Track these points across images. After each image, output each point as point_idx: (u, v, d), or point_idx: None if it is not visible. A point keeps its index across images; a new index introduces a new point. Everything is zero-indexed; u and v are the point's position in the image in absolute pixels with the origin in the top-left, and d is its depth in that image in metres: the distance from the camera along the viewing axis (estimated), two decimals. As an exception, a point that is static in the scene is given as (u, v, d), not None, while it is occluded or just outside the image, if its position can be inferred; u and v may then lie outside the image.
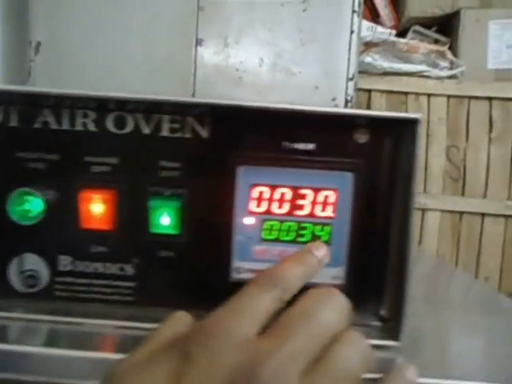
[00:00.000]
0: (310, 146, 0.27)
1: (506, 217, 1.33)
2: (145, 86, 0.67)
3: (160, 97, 0.26)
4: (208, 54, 0.70)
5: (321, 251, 0.24)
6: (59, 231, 0.28)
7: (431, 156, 1.36)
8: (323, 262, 0.24)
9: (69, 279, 0.28)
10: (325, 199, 0.27)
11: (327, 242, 0.28)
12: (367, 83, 1.37)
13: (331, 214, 0.27)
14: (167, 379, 0.17)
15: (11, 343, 0.25)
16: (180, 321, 0.21)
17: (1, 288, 0.28)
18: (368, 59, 1.36)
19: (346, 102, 0.71)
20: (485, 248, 1.35)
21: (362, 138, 0.27)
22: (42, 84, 0.65)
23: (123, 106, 0.27)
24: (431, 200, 1.35)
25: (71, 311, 0.28)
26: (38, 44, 0.69)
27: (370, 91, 1.38)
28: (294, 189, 0.27)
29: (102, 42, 0.67)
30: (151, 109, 0.27)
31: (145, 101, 0.27)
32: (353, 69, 0.72)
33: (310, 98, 0.70)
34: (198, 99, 0.26)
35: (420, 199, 1.36)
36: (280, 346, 0.18)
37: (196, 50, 0.70)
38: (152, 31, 0.68)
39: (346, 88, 0.71)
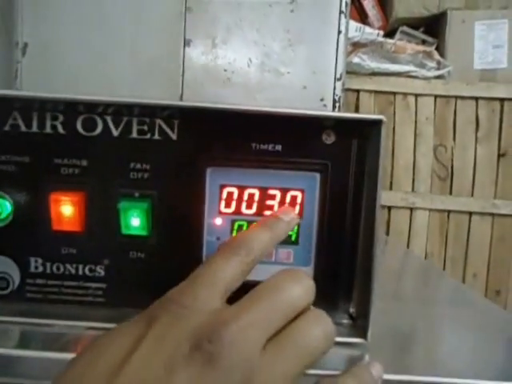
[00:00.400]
0: (278, 147, 0.27)
1: (493, 215, 1.35)
2: (133, 87, 0.67)
3: (127, 99, 0.27)
4: (196, 55, 0.70)
5: (288, 215, 0.25)
6: (29, 233, 0.28)
7: (419, 155, 1.38)
8: (291, 225, 0.25)
9: (40, 281, 0.28)
10: (292, 199, 0.28)
11: (295, 242, 0.28)
12: (355, 83, 1.39)
13: (299, 214, 0.28)
14: (130, 339, 0.18)
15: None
16: None
17: (-29, 290, 0.28)
18: (356, 60, 1.37)
19: (334, 102, 0.71)
20: (472, 246, 1.37)
21: (329, 139, 0.27)
22: (29, 85, 0.65)
23: (92, 108, 0.27)
24: (419, 199, 1.37)
25: (43, 313, 0.28)
26: (25, 45, 0.69)
27: (358, 91, 1.39)
28: (263, 189, 0.28)
29: (89, 44, 0.67)
30: (120, 111, 0.27)
31: (113, 103, 0.27)
32: (341, 69, 0.72)
33: (298, 98, 0.70)
34: (164, 101, 0.27)
35: (408, 198, 1.38)
36: (244, 312, 0.18)
37: (184, 51, 0.70)
38: (139, 32, 0.68)
39: (334, 88, 0.72)
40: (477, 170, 1.37)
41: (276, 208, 0.28)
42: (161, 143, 0.27)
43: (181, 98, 0.65)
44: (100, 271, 0.28)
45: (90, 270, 0.28)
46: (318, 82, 0.72)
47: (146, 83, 0.69)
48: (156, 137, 0.27)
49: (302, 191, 0.28)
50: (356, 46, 1.44)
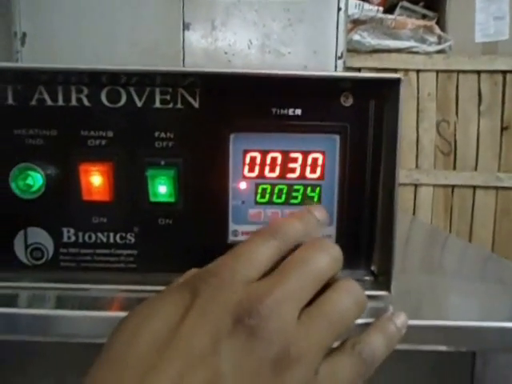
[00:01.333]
0: (298, 111, 0.28)
1: (497, 188, 1.36)
2: None
3: (150, 68, 0.27)
4: (196, 39, 0.70)
5: (320, 213, 0.26)
6: (61, 204, 0.29)
7: (422, 131, 1.38)
8: (322, 223, 0.26)
9: (73, 250, 0.29)
10: (313, 162, 0.29)
11: (318, 203, 0.29)
12: (356, 61, 1.38)
13: (320, 176, 0.29)
14: (176, 310, 0.19)
15: (22, 308, 0.27)
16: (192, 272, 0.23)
17: (9, 261, 0.29)
18: (356, 37, 1.36)
19: None
20: (477, 220, 1.38)
21: (347, 101, 0.28)
22: None
23: (116, 80, 0.28)
24: (423, 175, 1.38)
25: (77, 280, 0.29)
26: (24, 35, 0.69)
27: (359, 69, 1.38)
28: (285, 153, 0.28)
29: (87, 31, 0.67)
30: (143, 82, 0.28)
31: (136, 72, 0.27)
32: (341, 47, 0.72)
33: None
34: (186, 69, 0.27)
35: (412, 175, 1.38)
36: (276, 286, 0.20)
37: (184, 36, 0.70)
38: (138, 18, 0.68)
39: (336, 67, 0.72)
40: (480, 144, 1.37)
41: (298, 171, 0.29)
42: (184, 112, 0.28)
43: None
44: (130, 238, 0.29)
45: (121, 238, 0.29)
46: (319, 61, 0.72)
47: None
48: (179, 106, 0.28)
49: (323, 153, 0.28)
50: (356, 23, 1.42)
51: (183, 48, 0.70)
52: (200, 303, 0.19)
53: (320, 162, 0.28)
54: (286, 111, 0.28)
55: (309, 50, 0.71)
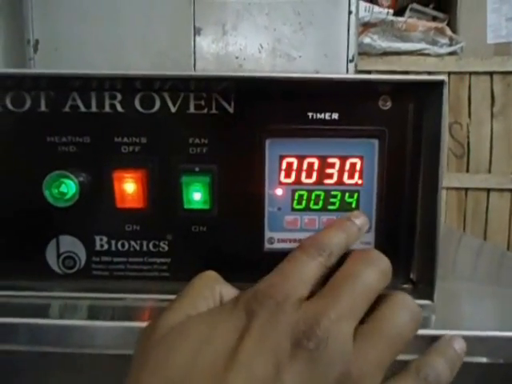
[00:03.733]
0: (335, 116, 0.28)
1: (511, 190, 1.34)
2: None
3: (184, 73, 0.27)
4: (207, 43, 0.70)
5: (360, 219, 0.26)
6: (94, 212, 0.28)
7: (434, 134, 1.37)
8: (363, 230, 0.26)
9: (105, 258, 0.29)
10: (351, 167, 0.28)
11: (356, 209, 0.28)
12: (367, 64, 1.37)
13: (358, 181, 0.28)
14: (233, 334, 0.19)
15: (53, 318, 0.26)
16: (210, 277, 0.23)
17: (40, 270, 0.29)
18: (367, 40, 1.35)
19: None
20: (491, 222, 1.36)
21: (385, 104, 0.27)
22: None
23: (149, 85, 0.27)
24: (436, 178, 1.36)
25: (109, 289, 0.29)
26: (37, 42, 0.69)
27: (370, 72, 1.38)
28: (322, 158, 0.28)
29: (99, 37, 0.67)
30: (177, 87, 0.27)
31: (170, 77, 0.27)
32: (353, 50, 0.72)
33: None
34: (221, 73, 0.27)
35: (425, 178, 1.37)
36: (330, 306, 0.19)
37: (195, 40, 0.70)
38: (150, 24, 0.68)
39: (347, 70, 0.71)
40: (493, 146, 1.35)
41: (336, 176, 0.28)
42: (218, 117, 0.28)
43: None
44: (164, 246, 0.29)
45: (154, 246, 0.29)
46: (330, 64, 0.71)
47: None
48: (213, 111, 0.28)
49: (361, 158, 0.28)
50: (366, 26, 1.42)
51: (194, 52, 0.70)
52: (257, 327, 0.19)
53: (358, 167, 0.28)
54: (322, 115, 0.27)
55: (320, 54, 0.71)
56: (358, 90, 0.27)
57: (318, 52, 0.70)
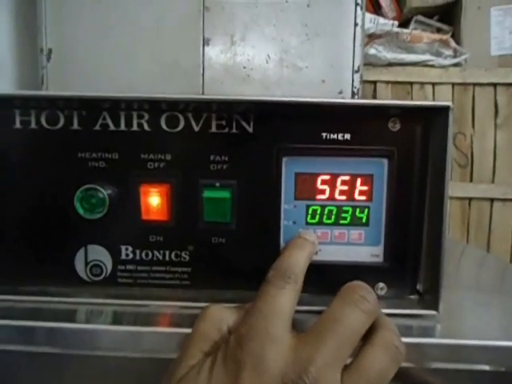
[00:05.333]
0: (347, 136, 0.29)
1: (515, 201, 1.35)
2: (154, 88, 0.69)
3: (207, 96, 0.29)
4: (215, 54, 0.72)
5: (311, 236, 0.28)
6: (121, 223, 0.30)
7: (438, 144, 1.38)
8: (316, 245, 0.28)
9: (130, 267, 0.31)
10: (362, 184, 0.30)
11: (366, 224, 0.30)
12: (372, 75, 1.39)
13: (369, 198, 0.30)
14: (224, 383, 0.20)
15: (80, 323, 0.28)
16: (215, 316, 0.24)
17: (69, 278, 0.31)
18: (372, 51, 1.38)
19: (353, 94, 0.73)
20: (495, 232, 1.37)
21: (394, 126, 0.29)
22: (55, 90, 0.68)
23: (174, 106, 0.29)
24: (440, 187, 1.37)
25: (133, 295, 0.30)
26: (50, 51, 0.71)
27: (375, 82, 1.40)
28: (334, 176, 0.30)
29: (110, 46, 0.69)
30: (200, 108, 0.29)
31: (194, 100, 0.29)
32: (358, 61, 0.74)
33: (317, 91, 0.72)
34: (242, 97, 0.29)
35: (429, 187, 1.38)
36: (317, 352, 0.21)
37: (203, 51, 0.72)
38: (159, 34, 0.70)
39: (353, 81, 0.73)
40: (497, 157, 1.37)
41: (347, 193, 0.30)
42: (238, 136, 0.30)
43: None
44: (185, 256, 0.31)
45: (176, 256, 0.31)
46: (336, 75, 0.73)
47: (167, 83, 0.71)
48: (234, 130, 0.30)
49: (371, 176, 0.30)
50: (371, 37, 1.44)
51: (203, 62, 0.72)
52: (246, 378, 0.20)
53: (368, 184, 0.30)
54: (335, 136, 0.29)
55: (326, 64, 0.73)
56: (368, 113, 0.29)
57: (325, 62, 0.72)
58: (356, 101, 0.28)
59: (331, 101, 0.28)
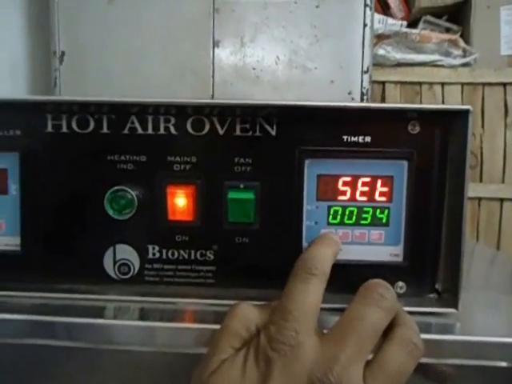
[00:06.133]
0: (368, 139, 0.30)
1: (525, 201, 1.35)
2: (165, 89, 0.71)
3: (232, 101, 0.30)
4: (225, 55, 0.73)
5: (335, 236, 0.29)
6: (148, 223, 0.31)
7: (448, 144, 1.38)
8: (340, 245, 0.29)
9: (157, 266, 0.32)
10: (382, 185, 0.31)
11: (386, 224, 0.31)
12: (381, 75, 1.39)
13: (389, 199, 0.31)
14: (256, 378, 0.22)
15: (108, 319, 0.29)
16: (244, 314, 0.25)
17: (98, 276, 0.32)
18: (381, 51, 1.38)
19: (362, 94, 0.73)
20: (504, 232, 1.37)
21: (414, 129, 0.30)
22: (67, 92, 0.69)
23: (200, 110, 0.30)
24: (449, 187, 1.37)
25: (160, 293, 0.32)
26: (63, 54, 0.73)
27: (383, 83, 1.40)
28: (355, 177, 0.31)
29: (122, 49, 0.71)
30: (224, 112, 0.30)
31: (218, 105, 0.30)
32: (367, 62, 0.74)
33: (326, 92, 0.72)
34: (265, 101, 0.30)
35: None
36: (341, 350, 0.22)
37: (214, 52, 0.73)
38: (170, 36, 0.72)
39: (362, 81, 0.74)
40: (507, 157, 1.36)
41: (368, 194, 0.31)
42: (261, 139, 0.31)
43: (212, 98, 0.68)
44: (210, 256, 0.32)
45: (201, 255, 0.32)
46: (345, 75, 0.74)
47: (178, 85, 0.72)
48: (257, 133, 0.31)
49: (391, 177, 0.30)
50: (380, 37, 1.44)
51: (213, 64, 0.73)
52: (276, 376, 0.21)
53: (389, 185, 0.30)
54: (356, 138, 0.30)
55: (335, 65, 0.73)
56: (389, 116, 0.30)
57: (334, 63, 0.73)
58: (376, 105, 0.29)
59: (352, 105, 0.29)
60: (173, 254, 0.32)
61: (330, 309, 0.29)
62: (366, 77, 0.74)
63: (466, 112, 0.28)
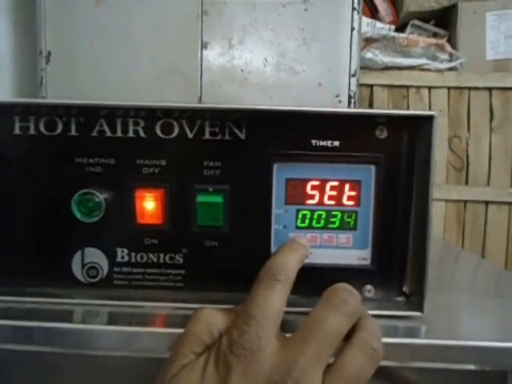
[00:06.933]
0: (336, 143, 0.31)
1: (510, 204, 1.37)
2: (153, 90, 0.70)
3: (201, 105, 0.30)
4: (213, 57, 0.73)
5: (304, 240, 0.29)
6: (116, 227, 0.31)
7: (434, 147, 1.40)
8: (308, 249, 0.29)
9: (125, 269, 0.32)
10: (350, 190, 0.31)
11: (354, 228, 0.31)
12: (369, 78, 1.40)
13: (357, 203, 0.31)
14: None
15: (76, 323, 0.29)
16: (207, 318, 0.25)
17: (66, 279, 0.32)
18: (369, 55, 1.39)
19: (350, 97, 0.74)
20: (490, 235, 1.38)
21: (382, 134, 0.30)
22: (53, 92, 0.69)
23: (169, 114, 0.30)
24: (436, 190, 1.38)
25: (128, 297, 0.31)
26: (49, 54, 0.72)
27: (371, 86, 1.41)
28: (323, 181, 0.31)
29: (109, 50, 0.70)
30: (194, 116, 0.30)
31: (188, 108, 0.30)
32: (355, 65, 0.75)
33: (314, 95, 0.73)
34: (235, 106, 0.30)
35: (425, 190, 1.39)
36: (300, 354, 0.22)
37: (201, 54, 0.73)
38: (158, 36, 0.71)
39: (349, 84, 0.74)
40: (492, 160, 1.38)
41: (336, 198, 0.31)
42: (231, 143, 0.31)
43: (200, 100, 0.68)
44: (179, 259, 0.32)
45: (170, 258, 0.32)
46: (333, 78, 0.74)
47: (166, 86, 0.72)
48: (226, 137, 0.31)
49: (359, 182, 0.31)
50: (368, 41, 1.46)
51: (201, 65, 0.73)
52: (235, 380, 0.21)
53: (356, 190, 0.31)
54: (325, 143, 0.30)
55: (323, 68, 0.74)
56: (357, 121, 0.30)
57: (322, 66, 0.74)
58: (343, 110, 0.29)
59: (319, 109, 0.29)
60: (142, 258, 0.32)
61: (297, 312, 0.29)
62: (353, 80, 0.75)
63: (431, 117, 0.28)
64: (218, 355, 0.23)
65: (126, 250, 0.32)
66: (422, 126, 0.29)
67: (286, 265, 0.26)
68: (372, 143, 0.30)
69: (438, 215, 1.41)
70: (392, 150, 0.31)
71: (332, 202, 0.31)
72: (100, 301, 0.31)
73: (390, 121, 0.30)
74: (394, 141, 0.30)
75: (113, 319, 0.30)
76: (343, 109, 0.29)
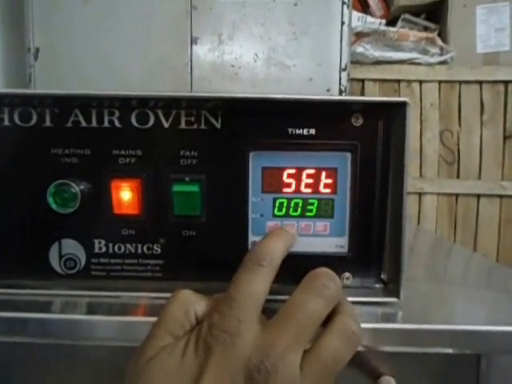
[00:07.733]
0: (312, 131, 0.31)
1: (501, 197, 1.37)
2: (143, 86, 0.70)
3: (176, 93, 0.30)
4: (203, 52, 0.73)
5: (292, 229, 0.29)
6: (93, 218, 0.31)
7: (425, 141, 1.40)
8: (295, 237, 0.29)
9: (103, 260, 0.32)
10: (327, 177, 0.31)
11: (331, 216, 0.31)
12: (360, 73, 1.40)
13: (333, 191, 0.31)
14: (194, 369, 0.22)
15: (56, 313, 0.29)
16: (184, 301, 0.25)
17: (43, 271, 0.32)
18: (360, 49, 1.39)
19: (341, 92, 0.74)
20: (481, 228, 1.39)
21: (357, 121, 0.31)
22: (42, 88, 0.68)
23: (145, 103, 0.30)
24: (427, 184, 1.39)
25: (107, 287, 0.31)
26: (37, 50, 0.72)
27: (363, 80, 1.41)
28: (300, 169, 0.31)
29: (99, 45, 0.70)
30: (169, 105, 0.30)
31: (163, 97, 0.30)
32: (345, 59, 0.75)
33: (305, 89, 0.73)
34: (210, 94, 0.30)
35: (416, 183, 1.40)
36: (279, 337, 0.22)
37: (191, 49, 0.73)
38: (148, 32, 0.71)
39: (340, 78, 0.74)
40: (483, 153, 1.39)
41: (312, 186, 0.31)
42: (207, 132, 0.31)
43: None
44: (157, 249, 0.32)
45: (148, 249, 0.32)
46: (323, 73, 0.74)
47: (156, 82, 0.71)
48: (202, 126, 0.31)
49: (335, 169, 0.31)
50: (359, 35, 1.46)
51: (191, 61, 0.73)
52: (214, 363, 0.21)
53: (333, 177, 0.31)
54: (301, 131, 0.30)
55: (313, 63, 0.74)
56: (332, 109, 0.30)
57: (312, 61, 0.74)
58: (319, 97, 0.29)
59: (294, 97, 0.29)
60: (119, 248, 0.32)
61: (275, 300, 0.29)
62: (344, 74, 0.75)
63: (404, 104, 0.28)
64: (198, 338, 0.23)
65: (103, 241, 0.31)
66: (396, 113, 0.29)
67: (272, 251, 0.25)
68: (348, 131, 0.30)
69: (430, 209, 1.41)
70: (368, 137, 0.31)
71: (309, 190, 0.31)
72: (79, 291, 0.31)
73: (365, 108, 0.30)
74: (369, 128, 0.30)
75: (92, 309, 0.30)
76: (319, 96, 0.29)
